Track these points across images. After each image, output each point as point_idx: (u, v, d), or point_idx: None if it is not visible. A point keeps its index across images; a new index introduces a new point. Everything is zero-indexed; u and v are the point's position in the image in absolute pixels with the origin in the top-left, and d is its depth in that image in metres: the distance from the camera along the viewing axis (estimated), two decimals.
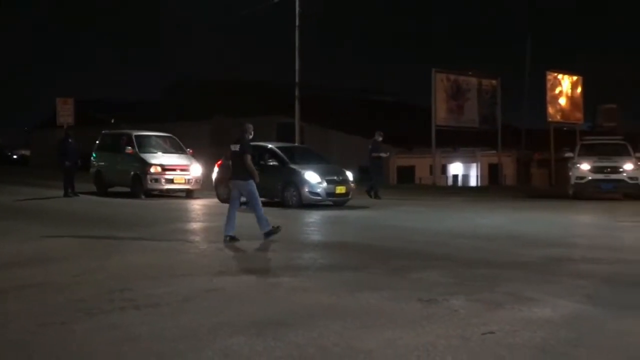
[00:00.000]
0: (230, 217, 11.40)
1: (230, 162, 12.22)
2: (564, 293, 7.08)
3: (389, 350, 4.89)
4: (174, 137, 22.14)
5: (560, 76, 34.94)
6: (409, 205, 19.99)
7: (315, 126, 36.93)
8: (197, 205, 18.93)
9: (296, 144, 26.10)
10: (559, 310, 6.29)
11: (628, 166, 23.08)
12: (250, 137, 12.06)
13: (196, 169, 20.95)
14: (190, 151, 21.63)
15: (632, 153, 23.73)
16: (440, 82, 31.09)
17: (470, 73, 32.94)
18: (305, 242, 12.09)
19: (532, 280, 7.85)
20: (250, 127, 12.12)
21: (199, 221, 15.30)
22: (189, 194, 20.97)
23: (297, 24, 27.99)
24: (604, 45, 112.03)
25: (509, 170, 41.65)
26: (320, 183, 18.02)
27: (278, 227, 11.47)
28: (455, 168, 44.22)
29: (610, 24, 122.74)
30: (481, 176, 42.77)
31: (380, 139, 22.65)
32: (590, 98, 37.41)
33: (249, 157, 11.57)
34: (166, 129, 24.05)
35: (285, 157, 18.90)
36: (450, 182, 41.74)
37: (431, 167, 34.01)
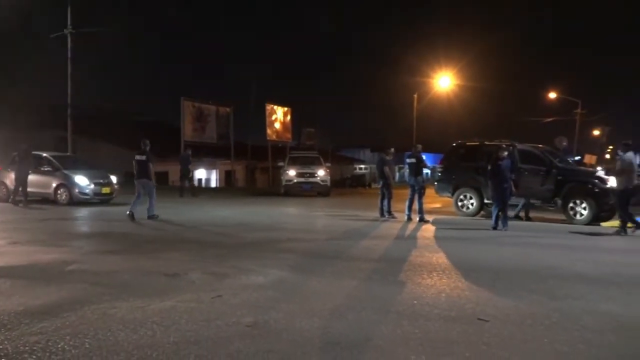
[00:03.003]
0: (137, 202, 13.23)
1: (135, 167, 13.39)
2: (273, 265, 7.31)
3: (138, 315, 4.74)
4: None
5: (275, 107, 36.32)
6: (163, 202, 19.43)
7: (87, 139, 35.06)
8: None
9: (69, 154, 24.27)
10: (269, 277, 6.52)
11: (321, 172, 24.98)
12: (149, 148, 13.42)
13: None
14: None
15: (323, 163, 25.81)
16: (187, 108, 30.81)
17: (210, 102, 32.92)
18: (75, 233, 11.26)
19: (251, 256, 8.01)
20: (148, 142, 13.52)
21: None
22: None
23: (69, 55, 26.00)
24: (310, 84, 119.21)
25: (240, 175, 42.33)
26: (88, 185, 17.41)
27: (158, 215, 13.32)
28: (200, 173, 44.04)
29: (318, 70, 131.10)
30: (219, 179, 43.10)
31: (190, 151, 23.56)
32: (297, 123, 39.36)
33: (151, 165, 13.29)
34: None
35: (58, 164, 17.88)
36: (196, 184, 41.42)
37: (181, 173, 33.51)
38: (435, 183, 17.42)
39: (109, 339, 4.14)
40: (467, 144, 16.85)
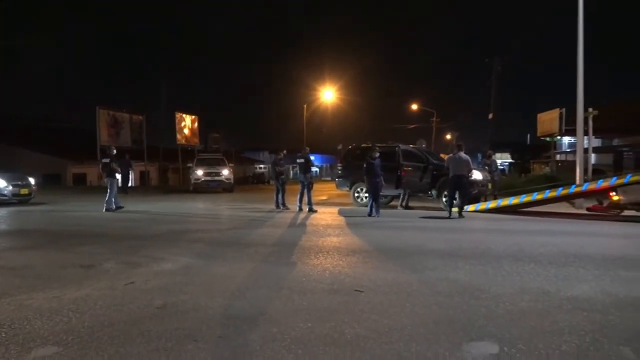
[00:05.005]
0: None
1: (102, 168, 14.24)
2: (182, 253, 7.09)
3: (54, 304, 4.40)
4: None
5: (184, 115, 35.16)
6: (78, 201, 18.28)
7: (6, 145, 32.18)
8: None
9: None
10: (177, 264, 6.31)
11: (225, 172, 24.64)
12: (115, 153, 14.46)
13: None
14: None
15: (227, 163, 25.50)
16: (103, 116, 28.98)
17: (124, 110, 31.17)
18: None
19: (162, 246, 7.72)
20: (113, 147, 14.69)
21: None
22: None
23: None
24: (215, 93, 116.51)
25: (153, 175, 40.55)
26: (6, 187, 15.99)
27: (122, 206, 14.20)
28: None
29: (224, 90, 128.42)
30: (134, 179, 40.98)
31: (128, 156, 23.77)
32: (204, 128, 38.18)
33: (114, 165, 14.08)
34: None
35: None
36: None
37: (99, 174, 31.61)
38: (336, 179, 17.87)
39: (25, 327, 3.81)
40: (362, 145, 17.32)
